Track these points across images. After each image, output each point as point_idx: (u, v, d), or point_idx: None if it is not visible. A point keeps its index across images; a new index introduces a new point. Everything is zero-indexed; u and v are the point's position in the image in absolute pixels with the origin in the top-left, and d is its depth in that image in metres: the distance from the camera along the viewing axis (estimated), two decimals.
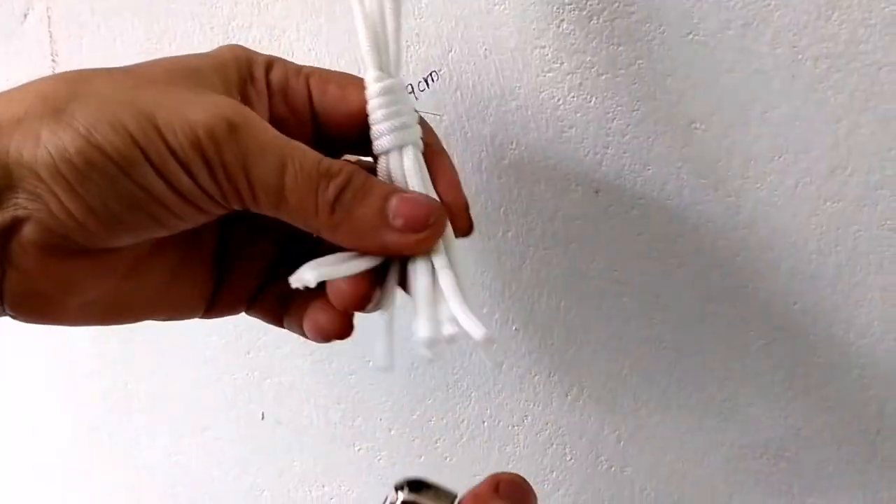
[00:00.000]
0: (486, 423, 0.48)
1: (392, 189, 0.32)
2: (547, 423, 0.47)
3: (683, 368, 0.44)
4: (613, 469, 0.47)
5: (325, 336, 0.34)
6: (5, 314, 0.32)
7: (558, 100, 0.41)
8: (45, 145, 0.28)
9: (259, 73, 0.34)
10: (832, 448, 0.43)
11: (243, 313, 0.38)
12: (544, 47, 0.40)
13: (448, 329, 0.31)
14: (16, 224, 0.29)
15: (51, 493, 0.64)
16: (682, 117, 0.39)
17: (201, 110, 0.29)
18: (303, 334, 0.36)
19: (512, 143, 0.43)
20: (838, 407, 0.42)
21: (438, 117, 0.43)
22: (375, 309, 0.33)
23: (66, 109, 0.29)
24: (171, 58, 0.33)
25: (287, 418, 0.53)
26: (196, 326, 0.54)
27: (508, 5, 0.40)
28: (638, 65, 0.39)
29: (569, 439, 0.47)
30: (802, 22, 0.36)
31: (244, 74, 0.34)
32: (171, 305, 0.36)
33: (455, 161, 0.43)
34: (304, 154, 0.31)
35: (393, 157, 0.34)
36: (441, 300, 0.32)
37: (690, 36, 0.38)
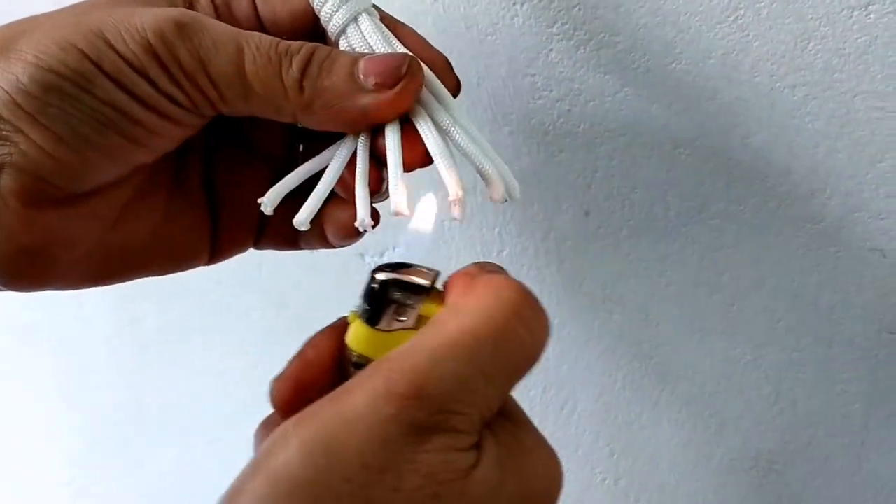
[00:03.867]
0: None
1: (358, 55, 0.31)
2: None
3: (674, 383, 0.45)
4: (607, 481, 0.48)
5: (357, 231, 0.32)
6: None
7: (548, 125, 0.43)
8: None
9: None
10: (819, 461, 0.44)
11: (252, 248, 0.37)
12: (534, 75, 0.42)
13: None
14: None
15: (62, 500, 0.66)
16: (667, 142, 0.41)
17: (149, 16, 0.29)
18: (326, 246, 0.35)
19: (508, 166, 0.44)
20: (824, 421, 0.43)
21: None
22: (386, 193, 0.32)
23: (12, 47, 0.28)
24: None
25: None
26: (205, 337, 0.56)
27: (500, 36, 0.42)
28: (624, 92, 0.41)
29: (564, 452, 0.48)
30: (780, 52, 0.37)
31: None
32: (170, 252, 0.35)
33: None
34: (259, 38, 0.30)
35: (350, 30, 0.32)
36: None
37: (674, 65, 0.39)
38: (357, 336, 0.28)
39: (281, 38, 0.31)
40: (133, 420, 0.61)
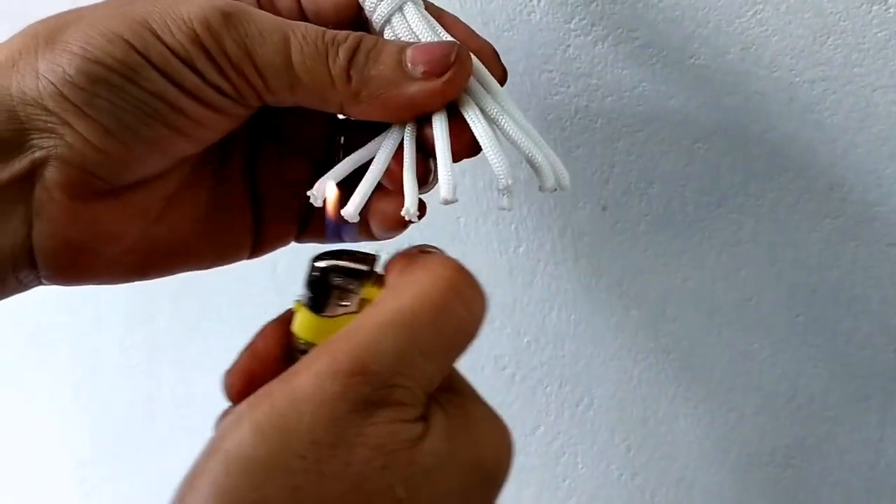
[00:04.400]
0: None
1: (405, 43, 0.30)
2: (559, 433, 0.49)
3: (690, 379, 0.45)
4: (623, 477, 0.48)
5: (403, 222, 0.32)
6: (39, 280, 0.31)
7: (566, 121, 0.43)
8: (44, 76, 0.28)
9: None
10: (836, 456, 0.44)
11: (294, 242, 0.37)
12: (552, 71, 0.42)
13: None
14: (35, 168, 0.28)
15: (74, 500, 0.66)
16: (685, 137, 0.41)
17: (194, 6, 0.29)
18: (370, 238, 0.35)
19: (521, 162, 0.44)
20: (841, 416, 0.43)
21: None
22: (434, 182, 0.32)
23: (58, 38, 0.28)
24: None
25: None
26: (219, 338, 0.56)
27: (517, 32, 0.42)
28: (642, 87, 0.41)
29: (580, 448, 0.48)
30: (799, 47, 0.37)
31: None
32: (213, 246, 0.35)
33: (466, 181, 0.45)
34: (305, 27, 0.30)
35: (395, 20, 0.32)
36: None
37: (692, 60, 0.39)
38: (302, 324, 0.28)
39: (324, 25, 0.31)
40: (146, 419, 0.61)
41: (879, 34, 0.36)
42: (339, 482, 0.23)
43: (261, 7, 0.32)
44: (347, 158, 0.32)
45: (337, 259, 0.29)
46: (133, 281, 0.34)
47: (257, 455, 0.23)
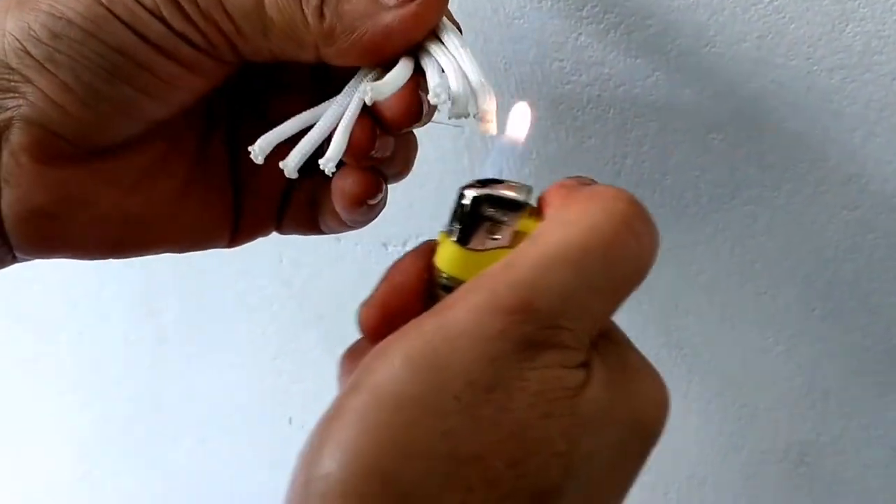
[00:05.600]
0: None
1: None
2: None
3: (703, 374, 0.45)
4: None
5: (361, 201, 0.31)
6: (11, 253, 0.30)
7: (577, 111, 0.42)
8: (10, 33, 0.28)
9: None
10: (852, 452, 0.43)
11: (275, 232, 0.36)
12: (563, 60, 0.41)
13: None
14: (0, 131, 0.28)
15: (78, 494, 0.66)
16: (699, 127, 0.40)
17: None
18: (344, 227, 0.34)
19: (532, 153, 0.43)
20: (856, 413, 0.42)
21: (460, 129, 0.44)
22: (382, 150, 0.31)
23: None
24: None
25: (315, 423, 0.54)
26: (224, 330, 0.55)
27: (527, 20, 0.41)
28: (655, 76, 0.40)
29: None
30: (817, 34, 0.37)
31: None
32: (190, 227, 0.34)
33: (476, 173, 0.44)
34: None
35: None
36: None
37: (707, 48, 0.38)
38: (448, 257, 0.27)
39: None
40: (150, 413, 0.60)
41: None
42: (495, 429, 0.22)
43: None
44: (296, 117, 0.30)
45: (489, 188, 0.27)
46: (107, 258, 0.33)
47: (410, 392, 0.22)
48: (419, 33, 0.29)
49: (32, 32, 0.27)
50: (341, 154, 0.29)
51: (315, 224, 0.36)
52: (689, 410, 0.45)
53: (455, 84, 0.29)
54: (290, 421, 0.55)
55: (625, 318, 0.45)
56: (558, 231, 0.24)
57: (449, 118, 0.29)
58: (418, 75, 0.30)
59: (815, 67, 0.37)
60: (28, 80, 0.28)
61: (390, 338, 0.23)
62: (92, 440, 0.64)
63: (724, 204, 0.41)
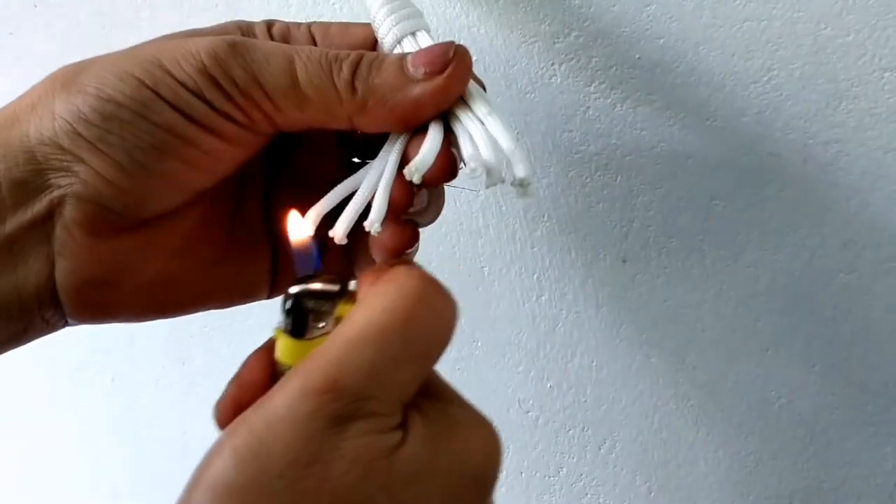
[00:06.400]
0: (523, 475, 0.51)
1: (406, 53, 0.31)
2: (581, 475, 0.50)
3: (710, 424, 0.47)
4: None
5: (396, 251, 0.33)
6: (64, 319, 0.32)
7: (586, 178, 0.44)
8: (60, 116, 0.29)
9: (260, 29, 0.35)
10: (852, 501, 0.45)
11: None
12: (572, 131, 0.43)
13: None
14: (54, 207, 0.30)
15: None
16: (703, 194, 0.42)
17: (203, 41, 0.30)
18: (355, 269, 0.35)
19: (544, 216, 0.46)
20: (856, 462, 0.44)
21: (475, 193, 0.46)
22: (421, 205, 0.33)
23: (75, 81, 0.30)
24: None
25: None
26: None
27: (538, 94, 0.43)
28: (660, 147, 0.42)
29: (602, 490, 0.50)
30: (812, 111, 0.39)
31: (245, 32, 0.34)
32: (231, 285, 0.36)
33: (490, 233, 0.47)
34: (308, 48, 0.31)
35: (406, 42, 0.33)
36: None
37: (709, 122, 0.41)
38: (284, 349, 0.29)
39: None
40: (179, 455, 0.62)
41: (891, 99, 0.38)
42: (319, 498, 0.24)
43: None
44: (339, 186, 0.32)
45: (306, 283, 0.29)
46: (152, 319, 0.35)
47: (238, 481, 0.24)
48: (447, 103, 0.31)
49: (83, 115, 0.29)
50: (384, 215, 0.31)
51: (351, 274, 0.37)
52: (696, 459, 0.47)
53: (487, 154, 0.30)
54: None
55: (634, 372, 0.47)
56: (360, 313, 0.27)
57: (487, 187, 0.31)
58: (449, 134, 0.31)
59: (810, 141, 0.40)
60: (80, 160, 0.29)
61: (223, 432, 0.26)
62: (124, 481, 0.66)
63: (727, 266, 0.43)
